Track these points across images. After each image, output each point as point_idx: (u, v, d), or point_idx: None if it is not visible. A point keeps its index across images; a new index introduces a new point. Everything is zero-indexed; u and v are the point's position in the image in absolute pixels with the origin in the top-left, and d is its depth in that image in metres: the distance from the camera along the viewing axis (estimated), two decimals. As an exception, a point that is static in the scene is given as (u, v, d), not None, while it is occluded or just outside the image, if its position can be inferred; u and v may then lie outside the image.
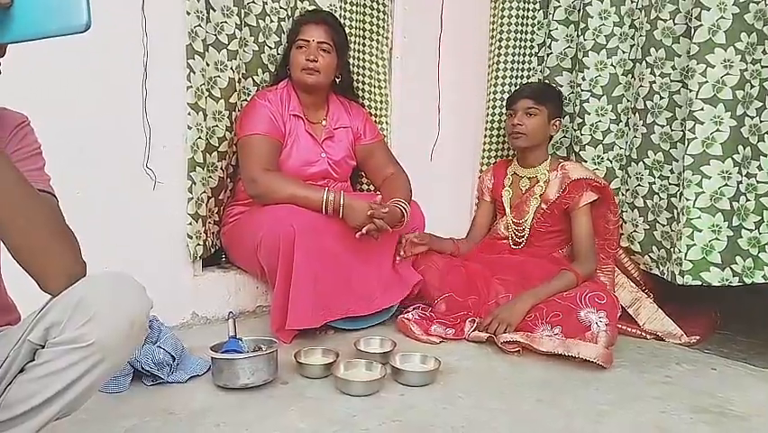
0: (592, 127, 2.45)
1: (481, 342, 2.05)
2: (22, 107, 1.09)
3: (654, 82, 2.22)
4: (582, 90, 2.45)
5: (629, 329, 2.21)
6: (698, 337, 2.19)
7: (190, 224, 2.10)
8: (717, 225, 2.03)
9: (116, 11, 1.88)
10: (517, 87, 2.64)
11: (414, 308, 2.18)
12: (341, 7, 2.47)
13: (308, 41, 2.16)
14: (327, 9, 2.41)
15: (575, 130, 2.51)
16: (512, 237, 2.41)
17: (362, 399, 1.61)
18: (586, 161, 2.46)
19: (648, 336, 2.20)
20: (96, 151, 1.89)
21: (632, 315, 2.27)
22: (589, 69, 2.44)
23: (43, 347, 0.94)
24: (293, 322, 1.93)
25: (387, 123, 2.60)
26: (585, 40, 2.43)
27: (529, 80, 2.70)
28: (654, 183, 2.26)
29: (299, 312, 1.93)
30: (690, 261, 2.05)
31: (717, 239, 2.03)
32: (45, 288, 0.93)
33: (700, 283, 2.05)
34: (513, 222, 2.40)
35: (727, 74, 1.98)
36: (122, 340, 0.94)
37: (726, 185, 2.02)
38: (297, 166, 2.18)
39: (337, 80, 2.31)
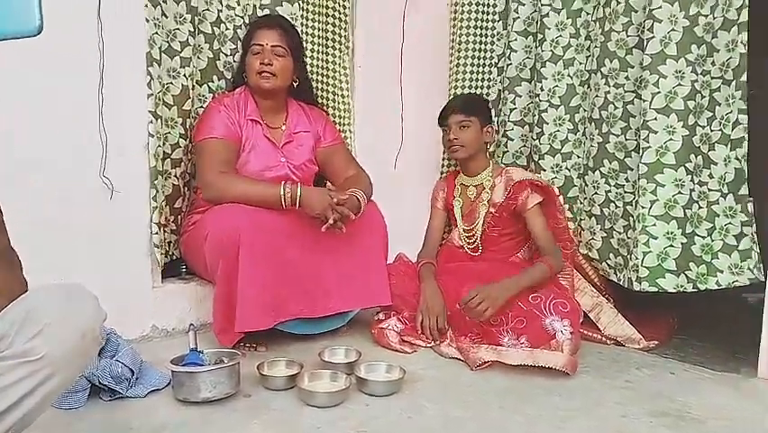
0: (551, 137, 2.50)
1: (453, 357, 2.02)
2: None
3: (609, 92, 2.27)
4: (541, 100, 2.50)
5: (590, 334, 2.25)
6: (656, 342, 2.24)
7: (156, 233, 2.06)
8: (671, 233, 2.09)
9: (71, 15, 1.84)
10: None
11: (390, 317, 2.15)
12: (302, 15, 2.47)
13: (262, 46, 2.14)
14: (289, 17, 2.40)
15: (534, 139, 2.55)
16: (465, 245, 2.44)
17: (327, 410, 1.59)
18: (545, 170, 2.51)
19: (609, 342, 2.25)
20: (51, 158, 1.84)
21: (593, 319, 2.31)
22: (547, 79, 2.48)
23: None
24: (241, 324, 1.90)
25: (350, 131, 2.60)
26: (543, 51, 2.48)
27: (489, 90, 2.74)
28: (610, 191, 2.31)
29: (247, 313, 1.90)
30: (646, 267, 2.10)
31: (671, 246, 2.09)
32: None
33: (656, 290, 2.10)
34: (464, 229, 2.43)
35: (679, 84, 2.05)
36: (73, 353, 0.92)
37: (679, 193, 2.08)
38: (256, 171, 2.15)
39: (294, 84, 2.29)
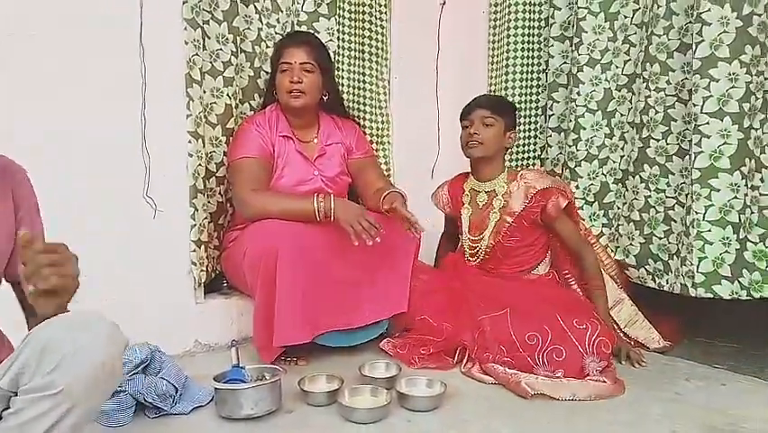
0: (587, 142, 2.45)
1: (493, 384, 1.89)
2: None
3: (650, 97, 2.22)
4: (578, 105, 2.44)
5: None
6: (671, 343, 2.20)
7: (194, 250, 2.09)
8: (726, 238, 2.01)
9: (114, 41, 1.90)
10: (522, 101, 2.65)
11: (395, 337, 2.13)
12: (338, 30, 2.48)
13: (291, 64, 2.15)
14: (326, 32, 2.42)
15: (570, 146, 2.49)
16: (468, 256, 2.32)
17: (368, 426, 1.58)
18: (582, 177, 2.46)
19: (630, 341, 2.18)
20: (96, 181, 1.90)
21: (613, 317, 2.22)
22: (584, 84, 2.43)
23: (16, 394, 0.90)
24: (279, 339, 1.91)
25: (389, 142, 2.61)
26: (580, 54, 2.43)
27: (539, 96, 2.67)
28: (650, 196, 2.26)
29: (285, 328, 1.91)
30: (702, 273, 2.02)
31: (727, 252, 2.01)
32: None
33: (712, 296, 2.03)
34: (470, 239, 2.32)
35: (733, 87, 1.96)
36: (92, 385, 0.90)
37: (735, 197, 2.00)
38: (290, 186, 2.17)
39: (325, 98, 2.29)
